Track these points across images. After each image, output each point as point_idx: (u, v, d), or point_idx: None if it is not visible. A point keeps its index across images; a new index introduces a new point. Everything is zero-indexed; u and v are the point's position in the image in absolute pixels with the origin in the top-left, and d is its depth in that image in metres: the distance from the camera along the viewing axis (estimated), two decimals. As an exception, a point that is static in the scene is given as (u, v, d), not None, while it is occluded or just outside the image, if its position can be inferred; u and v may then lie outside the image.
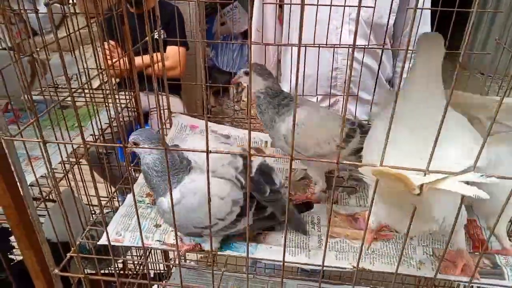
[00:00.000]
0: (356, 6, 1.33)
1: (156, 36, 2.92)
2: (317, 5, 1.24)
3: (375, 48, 1.46)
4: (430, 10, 1.45)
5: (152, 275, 1.69)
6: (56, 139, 1.12)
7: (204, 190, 0.69)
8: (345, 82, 1.51)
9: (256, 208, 0.92)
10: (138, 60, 1.50)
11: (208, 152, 0.59)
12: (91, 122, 1.25)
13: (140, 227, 0.74)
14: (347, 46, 1.41)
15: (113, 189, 1.34)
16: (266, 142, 1.38)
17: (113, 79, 2.02)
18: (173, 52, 2.75)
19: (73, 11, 1.31)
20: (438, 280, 0.91)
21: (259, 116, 1.06)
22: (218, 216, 0.86)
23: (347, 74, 1.50)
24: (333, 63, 1.47)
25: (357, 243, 0.94)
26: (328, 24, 1.34)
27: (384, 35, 1.44)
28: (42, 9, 1.35)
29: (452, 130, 0.72)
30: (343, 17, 1.38)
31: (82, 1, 1.28)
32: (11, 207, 0.82)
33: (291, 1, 1.32)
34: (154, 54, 2.69)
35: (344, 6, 1.31)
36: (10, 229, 1.36)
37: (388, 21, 1.40)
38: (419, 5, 1.36)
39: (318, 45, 1.32)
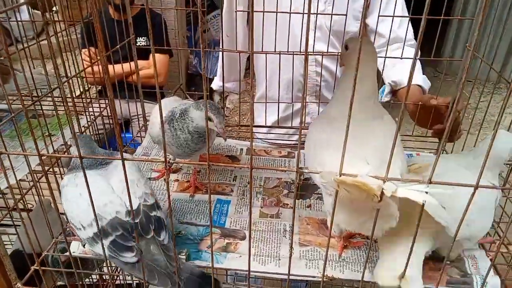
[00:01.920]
0: (318, 14, 1.38)
1: (138, 43, 2.90)
2: (276, 12, 1.27)
3: (334, 54, 1.49)
4: (408, 14, 1.47)
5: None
6: (24, 150, 1.09)
7: (80, 187, 0.75)
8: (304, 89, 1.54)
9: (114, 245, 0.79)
10: (119, 68, 1.48)
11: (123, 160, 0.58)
12: (61, 131, 1.22)
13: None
14: (314, 54, 1.45)
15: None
16: (242, 149, 1.37)
17: (93, 87, 2.00)
18: (156, 60, 2.73)
19: (56, 19, 1.29)
20: None
21: (193, 144, 1.04)
22: (81, 219, 0.82)
23: (305, 81, 1.54)
24: (301, 69, 1.49)
25: (329, 251, 0.93)
26: (290, 32, 1.37)
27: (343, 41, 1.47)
28: (24, 16, 1.33)
29: (387, 137, 0.78)
30: (301, 24, 1.41)
31: (64, 8, 1.27)
32: None
33: (264, 9, 1.32)
34: (140, 62, 2.69)
35: (305, 13, 1.34)
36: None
37: (344, 29, 1.42)
38: (391, 10, 1.37)
39: (279, 53, 1.35)
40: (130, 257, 0.78)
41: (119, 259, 0.79)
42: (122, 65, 1.68)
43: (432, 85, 1.43)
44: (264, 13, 1.30)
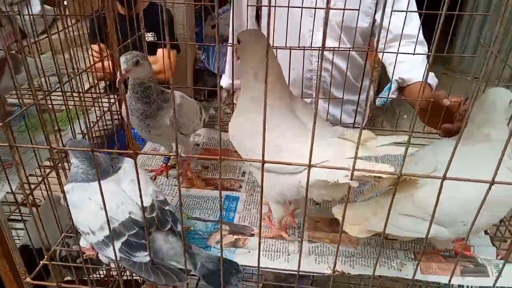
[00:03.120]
0: (325, 8, 1.36)
1: (147, 39, 2.91)
2: (288, 7, 1.25)
3: (344, 49, 1.47)
4: (417, 8, 1.45)
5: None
6: (32, 144, 1.09)
7: (88, 192, 0.73)
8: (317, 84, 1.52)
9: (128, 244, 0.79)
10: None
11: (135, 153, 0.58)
12: (71, 126, 1.22)
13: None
14: (318, 48, 1.42)
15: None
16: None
17: (101, 82, 2.00)
18: (164, 55, 2.72)
19: (64, 13, 1.28)
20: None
21: (142, 106, 1.01)
22: (89, 224, 0.81)
23: (318, 76, 1.53)
24: (307, 65, 1.50)
25: (340, 247, 0.92)
26: (301, 27, 1.36)
27: (354, 37, 1.46)
28: (34, 11, 1.33)
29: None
30: (313, 20, 1.40)
31: (73, 3, 1.27)
32: None
33: (275, 3, 1.31)
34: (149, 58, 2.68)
35: (314, 8, 1.34)
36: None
37: (356, 24, 1.40)
38: (402, 6, 1.35)
39: (289, 48, 1.34)
40: (143, 256, 0.78)
41: (131, 259, 0.79)
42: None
43: (441, 82, 1.41)
44: (274, 9, 1.28)
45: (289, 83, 1.43)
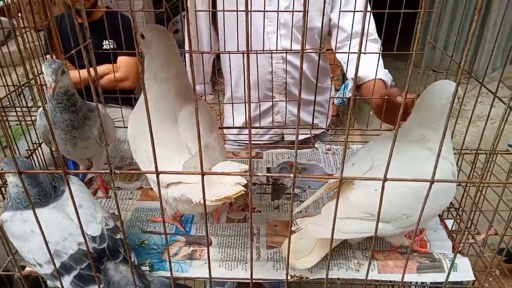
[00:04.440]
0: (280, 11, 1.36)
1: (105, 46, 2.83)
2: (237, 11, 1.24)
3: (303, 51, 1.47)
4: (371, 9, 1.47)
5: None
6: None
7: (29, 223, 0.71)
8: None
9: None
10: (82, 73, 1.42)
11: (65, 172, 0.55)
12: (9, 142, 1.15)
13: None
14: (279, 51, 1.42)
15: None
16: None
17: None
18: (123, 62, 2.66)
19: (22, 25, 1.22)
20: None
21: (68, 116, 0.97)
22: (35, 257, 0.77)
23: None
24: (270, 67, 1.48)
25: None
26: (254, 29, 1.37)
27: (307, 37, 1.47)
28: None
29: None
30: (264, 23, 1.39)
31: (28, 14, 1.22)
32: None
33: (224, 9, 1.29)
34: (106, 66, 2.60)
35: (264, 11, 1.33)
36: None
37: (306, 24, 1.40)
38: (353, 5, 1.36)
39: (242, 52, 1.34)
40: None
41: None
42: (89, 69, 1.62)
43: (402, 78, 1.43)
44: (225, 12, 1.27)
45: (249, 86, 1.42)
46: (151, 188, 1.13)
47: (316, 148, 1.35)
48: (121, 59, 2.70)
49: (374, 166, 0.84)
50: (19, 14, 1.44)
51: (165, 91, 0.90)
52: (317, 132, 1.67)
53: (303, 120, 1.62)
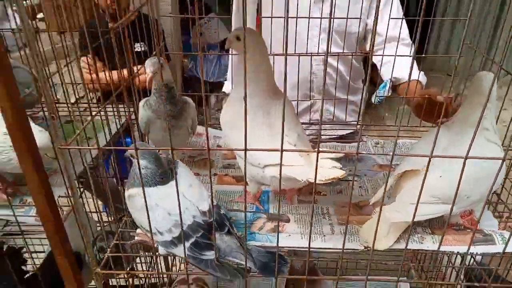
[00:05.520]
0: (326, 18, 1.50)
1: (137, 49, 2.97)
2: (286, 17, 1.37)
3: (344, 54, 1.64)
4: (403, 14, 1.62)
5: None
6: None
7: (154, 198, 0.82)
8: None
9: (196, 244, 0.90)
10: (118, 75, 1.54)
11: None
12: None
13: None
14: (322, 54, 1.58)
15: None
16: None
17: (96, 94, 2.05)
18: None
19: (44, 27, 1.33)
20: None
21: (169, 107, 1.12)
22: (157, 226, 0.90)
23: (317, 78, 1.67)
24: (310, 69, 1.63)
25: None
26: (299, 34, 1.51)
27: (346, 41, 1.62)
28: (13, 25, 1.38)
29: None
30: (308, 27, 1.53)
31: (54, 16, 1.31)
32: (50, 220, 0.86)
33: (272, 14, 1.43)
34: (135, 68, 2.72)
35: (309, 17, 1.47)
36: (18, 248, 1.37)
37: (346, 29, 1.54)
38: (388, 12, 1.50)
39: (298, 54, 1.49)
40: (210, 254, 0.88)
41: (200, 257, 0.89)
42: (121, 71, 1.73)
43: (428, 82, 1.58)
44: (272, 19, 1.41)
45: (288, 87, 1.56)
46: (226, 174, 1.28)
47: (364, 141, 1.49)
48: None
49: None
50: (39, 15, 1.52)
51: (257, 88, 1.04)
52: (351, 130, 1.83)
53: (338, 117, 1.78)
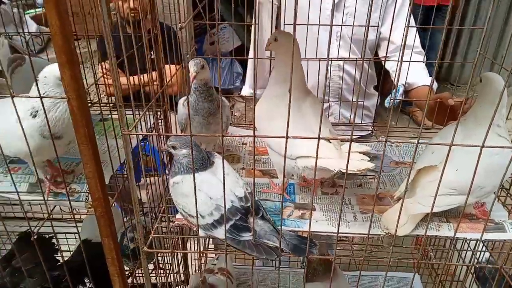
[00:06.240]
0: (343, 25, 1.61)
1: (153, 56, 3.08)
2: (307, 25, 1.51)
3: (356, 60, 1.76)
4: (415, 20, 1.73)
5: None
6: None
7: (198, 183, 0.88)
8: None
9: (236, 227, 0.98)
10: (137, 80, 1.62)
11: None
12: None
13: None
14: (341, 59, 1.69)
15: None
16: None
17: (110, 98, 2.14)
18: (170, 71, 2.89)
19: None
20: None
21: (207, 105, 1.21)
22: (199, 210, 0.96)
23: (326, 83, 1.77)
24: (325, 74, 1.71)
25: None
26: (318, 40, 1.60)
27: (363, 48, 1.74)
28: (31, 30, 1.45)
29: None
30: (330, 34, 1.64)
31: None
32: (100, 199, 0.96)
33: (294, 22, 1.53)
34: (153, 74, 2.83)
35: (331, 24, 1.56)
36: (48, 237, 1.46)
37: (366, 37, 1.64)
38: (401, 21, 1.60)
39: (319, 59, 1.57)
40: (248, 236, 0.97)
41: (238, 239, 0.97)
42: (141, 76, 1.80)
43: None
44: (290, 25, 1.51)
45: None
46: (252, 168, 1.37)
47: (382, 141, 1.58)
48: (167, 68, 2.93)
49: (453, 150, 1.07)
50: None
51: (297, 82, 1.13)
52: (364, 133, 1.93)
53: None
